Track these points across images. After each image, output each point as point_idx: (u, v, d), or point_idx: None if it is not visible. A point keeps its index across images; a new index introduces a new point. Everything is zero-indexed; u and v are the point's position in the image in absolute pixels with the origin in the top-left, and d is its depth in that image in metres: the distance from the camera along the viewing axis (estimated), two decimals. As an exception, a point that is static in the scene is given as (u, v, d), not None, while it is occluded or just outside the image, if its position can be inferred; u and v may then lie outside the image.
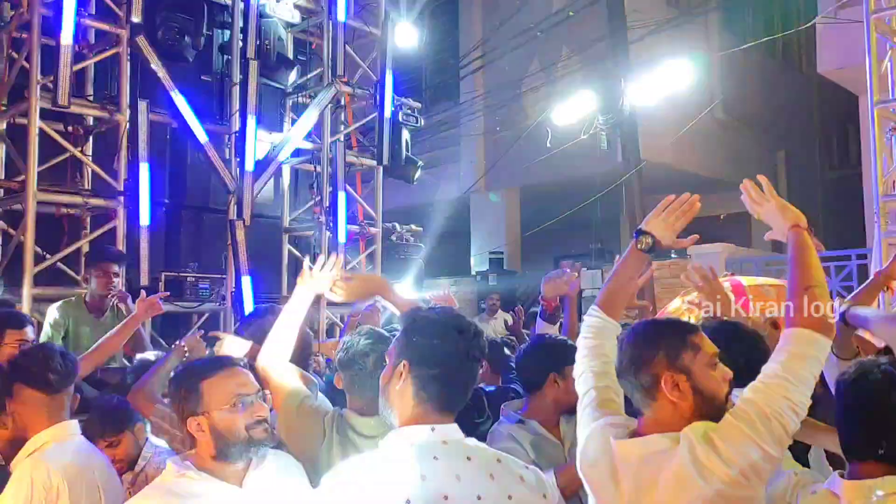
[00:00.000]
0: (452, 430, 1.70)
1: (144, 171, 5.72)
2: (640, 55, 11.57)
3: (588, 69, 12.17)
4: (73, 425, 2.52)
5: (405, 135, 7.82)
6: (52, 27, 5.37)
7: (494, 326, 9.95)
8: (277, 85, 7.24)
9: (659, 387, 1.79)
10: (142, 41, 5.81)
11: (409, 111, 8.00)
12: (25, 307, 5.14)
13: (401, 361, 1.72)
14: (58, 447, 2.40)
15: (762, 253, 13.69)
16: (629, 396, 1.91)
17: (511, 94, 13.54)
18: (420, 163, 8.15)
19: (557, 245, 14.21)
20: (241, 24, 6.59)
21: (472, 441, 1.75)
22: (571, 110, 11.38)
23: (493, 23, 13.84)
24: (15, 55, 5.71)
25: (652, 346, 1.82)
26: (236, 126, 6.56)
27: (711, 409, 1.78)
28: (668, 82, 10.86)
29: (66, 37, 5.31)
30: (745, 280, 5.18)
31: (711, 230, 13.82)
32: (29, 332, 3.36)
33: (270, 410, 2.16)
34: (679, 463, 1.71)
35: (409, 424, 1.69)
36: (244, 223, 6.36)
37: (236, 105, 6.60)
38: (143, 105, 5.79)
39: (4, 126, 5.74)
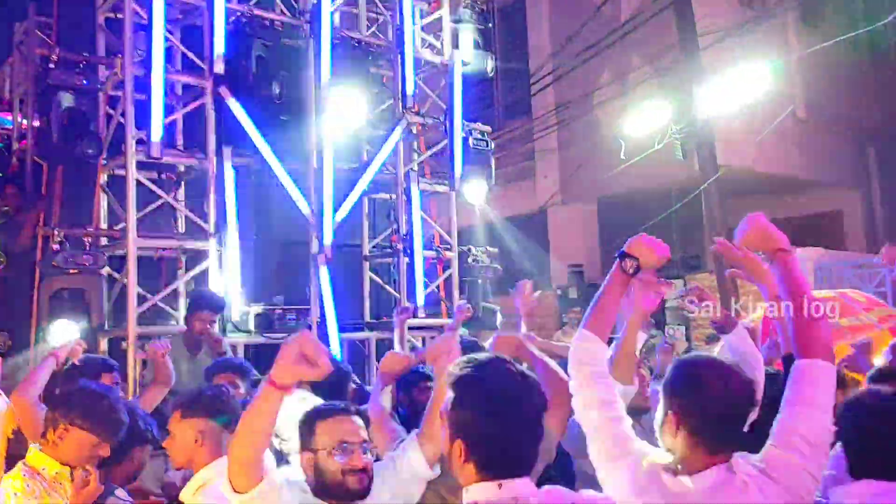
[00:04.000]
0: (522, 484, 1.67)
1: (232, 213, 6.10)
2: (714, 60, 11.39)
3: (660, 78, 12.06)
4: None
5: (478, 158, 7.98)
6: (143, 84, 5.82)
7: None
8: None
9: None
10: (224, 91, 6.20)
11: (479, 135, 8.18)
12: (130, 345, 5.56)
13: (455, 441, 1.68)
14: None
15: (856, 255, 13.16)
16: None
17: (583, 108, 13.54)
18: (492, 183, 8.30)
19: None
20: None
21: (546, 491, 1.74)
22: (644, 121, 11.29)
23: (562, 36, 13.89)
24: (111, 112, 6.20)
25: None
26: (315, 163, 6.88)
27: None
28: (745, 86, 10.64)
29: (157, 93, 5.74)
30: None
31: (798, 233, 13.42)
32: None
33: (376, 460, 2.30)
34: None
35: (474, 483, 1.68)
36: (325, 256, 6.65)
37: (314, 140, 6.92)
38: (227, 151, 6.18)
39: (105, 178, 6.23)
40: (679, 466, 1.90)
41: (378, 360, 3.83)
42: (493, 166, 8.25)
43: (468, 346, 3.16)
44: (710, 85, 10.66)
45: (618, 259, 2.20)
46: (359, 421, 2.24)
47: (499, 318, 8.15)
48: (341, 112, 7.05)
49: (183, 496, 2.54)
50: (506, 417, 1.64)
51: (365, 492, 2.14)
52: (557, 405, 2.56)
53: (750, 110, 11.05)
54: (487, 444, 1.64)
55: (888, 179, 15.51)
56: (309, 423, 2.22)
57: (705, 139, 11.16)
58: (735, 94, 10.61)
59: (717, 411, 1.89)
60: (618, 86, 12.98)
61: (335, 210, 6.81)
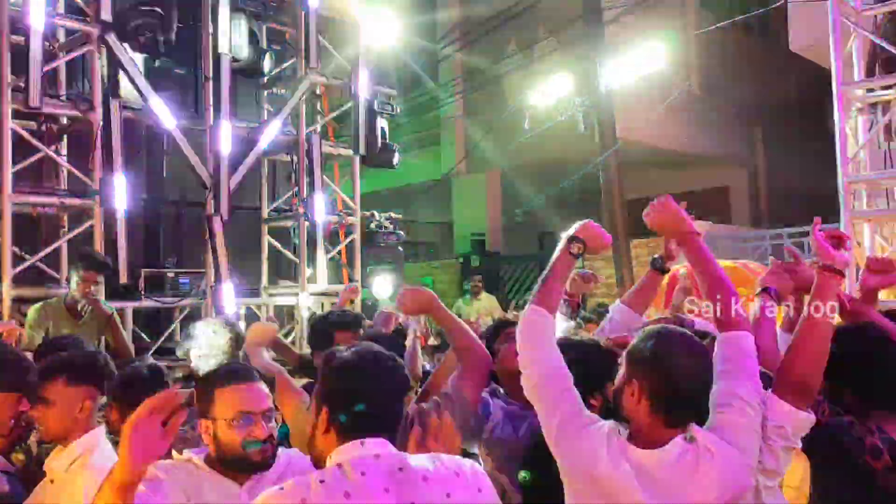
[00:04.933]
0: (382, 443, 1.74)
1: (119, 168, 5.75)
2: (616, 35, 11.62)
3: (565, 50, 12.20)
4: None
5: (381, 123, 7.86)
6: (20, 26, 5.35)
7: (478, 308, 10.08)
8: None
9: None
10: (112, 39, 5.80)
11: (385, 99, 8.03)
12: (5, 309, 5.18)
13: (321, 409, 1.76)
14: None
15: (741, 229, 13.86)
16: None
17: (490, 76, 13.57)
18: (397, 147, 8.20)
19: (539, 226, 14.34)
20: (210, 16, 6.57)
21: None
22: (549, 92, 11.44)
23: (470, 4, 13.82)
24: (-16, 56, 5.68)
25: None
26: (211, 120, 6.58)
27: None
28: (644, 62, 10.92)
29: (36, 36, 5.30)
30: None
31: (688, 207, 13.97)
32: None
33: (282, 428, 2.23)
34: None
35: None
36: (221, 218, 6.40)
37: (210, 99, 6.60)
38: (115, 104, 5.79)
39: (-23, 128, 5.72)
40: (637, 435, 1.94)
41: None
42: (399, 131, 8.13)
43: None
44: (612, 59, 10.88)
45: (565, 240, 2.26)
46: (263, 387, 2.12)
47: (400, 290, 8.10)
48: (239, 68, 6.78)
49: (54, 469, 2.36)
50: (367, 384, 1.76)
51: (268, 463, 2.05)
52: (471, 369, 2.56)
53: (648, 86, 11.37)
54: (349, 407, 1.73)
55: (772, 158, 16.37)
56: (207, 389, 2.09)
57: (605, 113, 11.41)
58: (636, 69, 10.88)
59: (683, 386, 1.92)
60: (524, 56, 13.06)
61: (232, 170, 6.55)
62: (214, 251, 6.35)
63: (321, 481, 1.63)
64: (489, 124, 13.69)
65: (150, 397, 1.57)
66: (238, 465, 2.03)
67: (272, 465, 2.06)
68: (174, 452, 2.11)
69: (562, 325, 3.21)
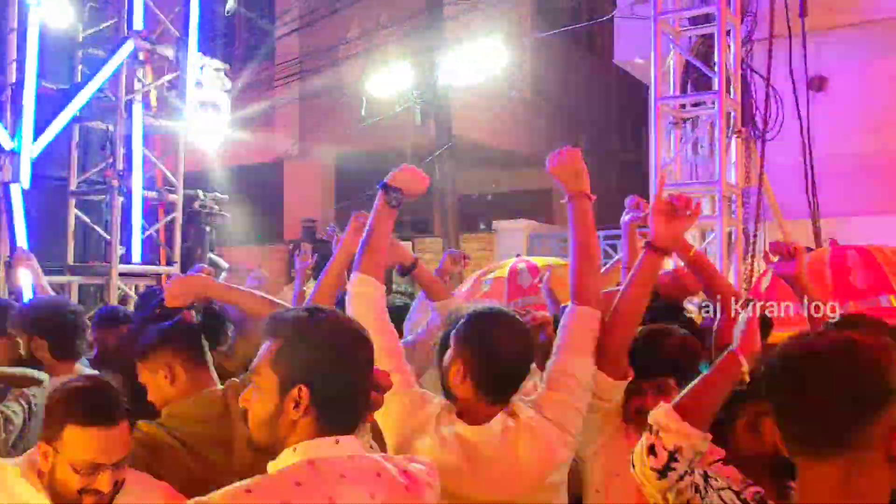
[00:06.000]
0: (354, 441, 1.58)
1: None
2: (456, 31, 11.79)
3: (406, 42, 12.21)
4: None
5: (212, 98, 7.44)
6: None
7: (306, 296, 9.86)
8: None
9: None
10: None
11: (216, 72, 7.61)
12: None
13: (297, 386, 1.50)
14: None
15: (562, 230, 14.57)
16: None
17: (329, 60, 13.29)
18: (227, 126, 7.81)
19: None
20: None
21: None
22: (388, 81, 11.39)
23: (311, -15, 13.47)
24: None
25: None
26: (13, 77, 5.91)
27: None
28: (482, 61, 11.16)
29: None
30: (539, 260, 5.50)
31: (515, 206, 14.54)
32: None
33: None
34: None
35: None
36: (21, 187, 5.77)
37: (13, 53, 5.94)
38: None
39: None
40: (461, 412, 1.97)
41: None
42: (230, 109, 7.74)
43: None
44: (451, 55, 11.03)
45: (380, 190, 2.14)
46: (123, 431, 1.82)
47: (223, 274, 7.73)
48: (49, 22, 6.15)
49: None
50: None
51: None
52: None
53: (486, 85, 11.64)
54: (339, 396, 1.51)
55: (593, 164, 17.34)
56: (59, 418, 1.79)
57: (443, 107, 11.57)
58: (473, 67, 11.10)
59: (504, 364, 1.96)
60: (364, 42, 12.92)
61: (36, 134, 5.92)
62: (10, 222, 5.72)
63: (297, 484, 1.41)
64: (325, 109, 13.44)
65: None
66: (63, 501, 1.80)
67: None
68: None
69: None
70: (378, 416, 1.92)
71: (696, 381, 1.66)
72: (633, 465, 1.60)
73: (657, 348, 2.20)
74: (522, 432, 1.93)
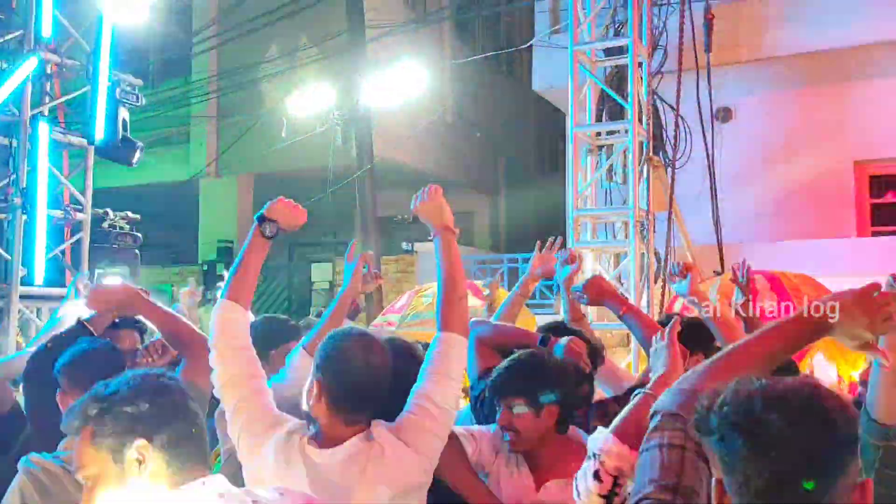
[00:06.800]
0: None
1: None
2: (378, 54, 11.83)
3: (327, 62, 12.17)
4: None
5: (123, 113, 7.18)
6: None
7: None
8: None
9: None
10: None
11: (129, 87, 7.37)
12: None
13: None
14: None
15: (481, 252, 14.76)
16: None
17: (247, 78, 13.10)
18: (140, 144, 7.56)
19: (291, 235, 14.08)
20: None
21: None
22: (308, 102, 11.30)
23: (230, 0, 13.28)
24: None
25: None
26: None
27: None
28: (404, 84, 11.23)
29: None
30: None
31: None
32: None
33: None
34: None
35: None
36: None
37: None
38: None
39: None
40: (321, 434, 1.98)
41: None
42: (144, 125, 7.50)
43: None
44: (373, 77, 11.05)
45: (256, 222, 2.17)
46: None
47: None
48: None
49: None
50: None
51: None
52: (196, 358, 2.37)
53: (407, 108, 11.71)
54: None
55: (512, 189, 17.69)
56: None
57: (364, 129, 11.55)
58: (395, 90, 11.15)
59: (354, 381, 1.97)
60: (284, 62, 12.81)
61: (-69, 149, 5.60)
62: None
63: None
64: (243, 127, 13.21)
65: None
66: None
67: None
68: None
69: None
70: (231, 431, 2.01)
71: (632, 405, 1.68)
72: (578, 493, 1.60)
73: (508, 370, 2.29)
74: (373, 454, 1.94)
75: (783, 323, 1.49)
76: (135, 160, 7.50)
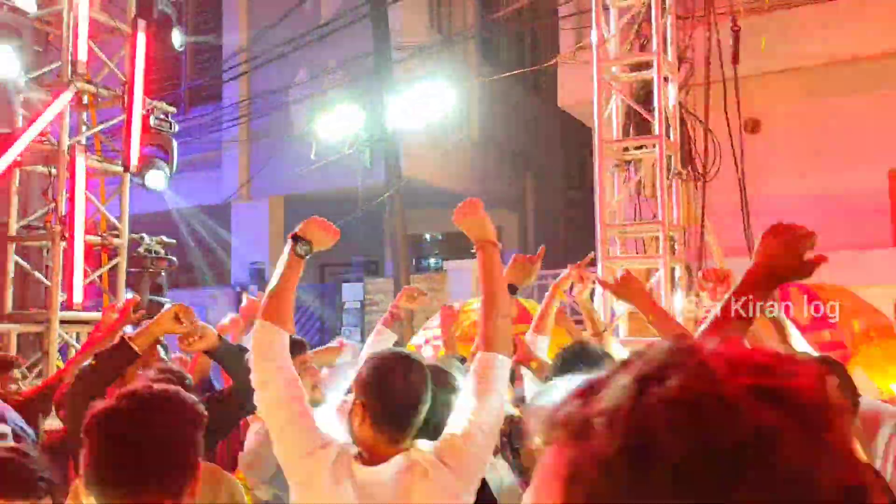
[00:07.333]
0: None
1: None
2: (404, 75, 11.95)
3: (354, 84, 12.32)
4: None
5: (157, 140, 7.37)
6: None
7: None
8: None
9: None
10: None
11: (162, 115, 7.55)
12: None
13: None
14: None
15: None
16: None
17: (277, 102, 13.32)
18: (173, 168, 7.72)
19: (322, 256, 14.21)
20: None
21: None
22: (336, 124, 11.44)
23: (259, 27, 13.53)
24: None
25: None
26: (-50, 121, 5.78)
27: None
28: (430, 104, 11.31)
29: None
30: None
31: (467, 245, 14.63)
32: None
33: None
34: None
35: None
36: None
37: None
38: None
39: None
40: (364, 454, 2.01)
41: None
42: (177, 151, 7.66)
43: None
44: (399, 98, 11.16)
45: (290, 242, 2.19)
46: None
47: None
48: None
49: None
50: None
51: None
52: None
53: (433, 128, 11.80)
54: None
55: (540, 203, 17.67)
56: None
57: (391, 150, 11.65)
58: (421, 110, 11.24)
59: (398, 405, 2.01)
60: (312, 85, 13.00)
61: (-25, 179, 5.78)
62: (-55, 270, 5.53)
63: None
64: (274, 151, 13.41)
65: None
66: None
67: None
68: None
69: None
70: (277, 452, 2.04)
71: None
72: None
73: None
74: (416, 475, 1.96)
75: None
76: (168, 185, 7.68)
